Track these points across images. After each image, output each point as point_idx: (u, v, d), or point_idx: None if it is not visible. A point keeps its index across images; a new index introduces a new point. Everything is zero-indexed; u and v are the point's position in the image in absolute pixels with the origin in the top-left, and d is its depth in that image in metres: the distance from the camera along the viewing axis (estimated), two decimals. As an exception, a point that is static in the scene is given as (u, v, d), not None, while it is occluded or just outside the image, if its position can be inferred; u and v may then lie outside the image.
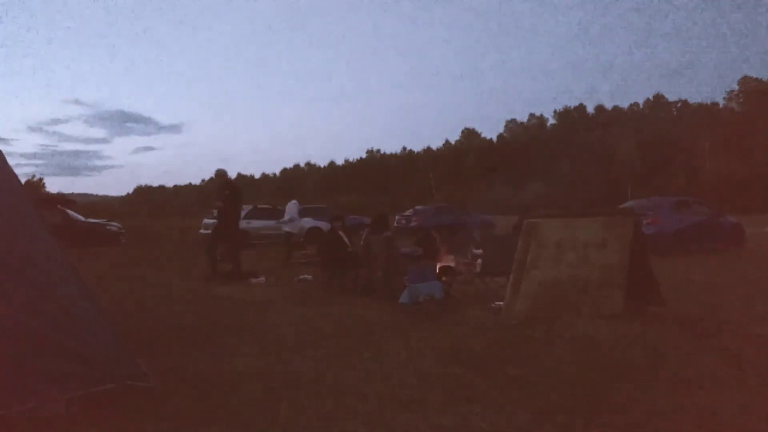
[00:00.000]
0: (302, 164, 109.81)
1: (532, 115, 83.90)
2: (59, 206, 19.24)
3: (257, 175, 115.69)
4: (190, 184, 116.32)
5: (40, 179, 47.14)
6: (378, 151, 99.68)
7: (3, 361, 3.30)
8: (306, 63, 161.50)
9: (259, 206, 21.48)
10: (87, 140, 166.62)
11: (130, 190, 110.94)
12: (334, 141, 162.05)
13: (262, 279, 10.02)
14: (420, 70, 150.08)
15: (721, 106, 67.41)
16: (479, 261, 10.55)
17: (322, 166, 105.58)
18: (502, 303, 6.83)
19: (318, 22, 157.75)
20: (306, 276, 10.10)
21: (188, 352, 4.94)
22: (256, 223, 19.96)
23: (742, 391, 3.87)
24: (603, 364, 4.53)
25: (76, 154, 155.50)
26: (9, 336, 3.36)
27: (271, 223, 20.19)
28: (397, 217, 26.25)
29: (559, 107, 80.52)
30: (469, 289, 8.21)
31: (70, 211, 19.42)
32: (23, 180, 8.86)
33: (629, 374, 4.27)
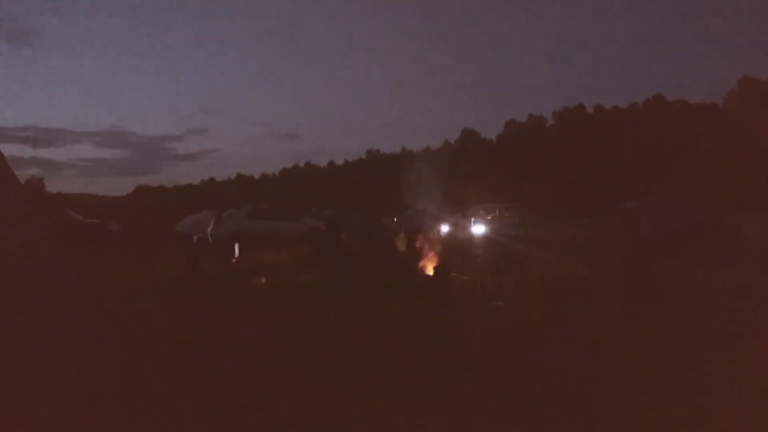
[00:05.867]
0: (302, 164, 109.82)
1: (531, 116, 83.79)
2: (59, 206, 19.27)
3: (257, 176, 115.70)
4: (190, 184, 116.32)
5: (41, 179, 46.90)
6: (378, 151, 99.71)
7: (2, 362, 3.30)
8: (306, 63, 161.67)
9: (259, 207, 21.54)
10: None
11: (130, 191, 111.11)
12: (335, 141, 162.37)
13: (262, 279, 10.03)
14: (420, 71, 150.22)
15: (721, 106, 67.31)
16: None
17: (322, 166, 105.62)
18: (502, 303, 6.85)
19: (318, 22, 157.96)
20: (306, 276, 10.10)
21: (188, 353, 4.93)
22: (256, 224, 19.99)
23: (742, 392, 3.87)
24: (603, 364, 4.53)
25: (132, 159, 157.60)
26: (7, 337, 3.36)
27: (271, 223, 20.23)
28: (396, 218, 26.30)
29: (559, 107, 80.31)
30: (469, 289, 8.21)
31: (70, 211, 19.44)
32: (23, 180, 8.87)
33: (629, 374, 4.27)
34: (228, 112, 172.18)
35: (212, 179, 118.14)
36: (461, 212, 24.54)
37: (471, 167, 64.70)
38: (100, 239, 18.75)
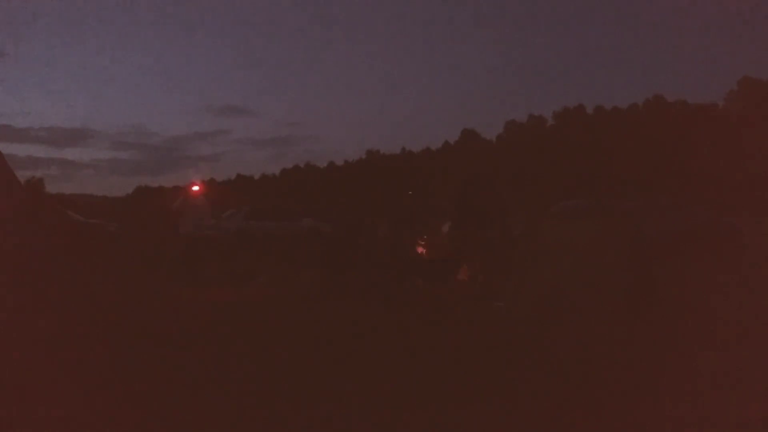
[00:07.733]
0: (302, 164, 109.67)
1: (531, 116, 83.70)
2: (59, 207, 19.24)
3: (257, 176, 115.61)
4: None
5: (40, 179, 46.73)
6: (378, 151, 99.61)
7: (2, 360, 3.30)
8: (305, 62, 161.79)
9: (258, 206, 21.56)
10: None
11: (130, 191, 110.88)
12: (335, 141, 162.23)
13: (262, 279, 10.02)
14: (420, 71, 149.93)
15: (721, 106, 67.25)
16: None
17: (321, 166, 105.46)
18: (502, 303, 6.84)
19: (318, 21, 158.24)
20: (305, 277, 10.09)
21: (187, 353, 4.93)
22: (256, 224, 19.98)
23: (740, 393, 3.86)
24: (603, 364, 4.53)
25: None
26: (8, 335, 3.36)
27: (270, 223, 20.23)
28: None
29: (559, 107, 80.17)
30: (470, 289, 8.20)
31: (69, 212, 19.41)
32: (22, 180, 8.87)
33: (630, 375, 4.27)
34: (240, 113, 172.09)
35: (212, 179, 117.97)
36: None
37: (471, 167, 64.64)
38: (100, 239, 18.72)
